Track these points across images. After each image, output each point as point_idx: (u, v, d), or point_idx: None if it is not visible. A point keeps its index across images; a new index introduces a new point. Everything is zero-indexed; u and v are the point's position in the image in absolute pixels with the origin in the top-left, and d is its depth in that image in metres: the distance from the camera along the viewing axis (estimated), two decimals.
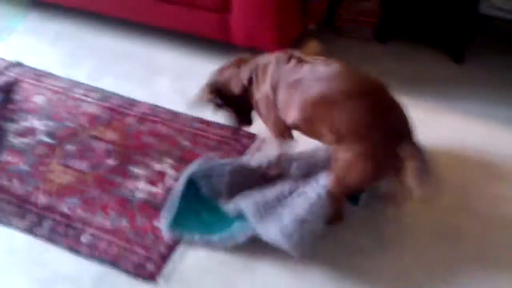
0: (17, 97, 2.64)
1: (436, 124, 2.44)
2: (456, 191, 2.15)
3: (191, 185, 2.07)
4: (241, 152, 2.32)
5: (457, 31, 2.86)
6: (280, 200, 1.94)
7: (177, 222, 1.98)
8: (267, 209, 1.91)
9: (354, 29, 3.11)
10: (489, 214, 2.08)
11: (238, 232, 1.93)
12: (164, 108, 2.56)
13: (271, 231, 1.85)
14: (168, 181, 2.18)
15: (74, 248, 1.95)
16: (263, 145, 2.34)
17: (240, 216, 1.95)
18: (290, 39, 2.74)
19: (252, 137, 2.38)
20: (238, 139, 2.37)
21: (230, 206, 2.00)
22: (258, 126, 2.21)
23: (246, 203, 1.95)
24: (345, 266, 1.89)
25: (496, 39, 3.05)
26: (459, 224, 2.04)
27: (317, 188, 1.91)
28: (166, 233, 1.96)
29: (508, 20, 2.85)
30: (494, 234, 2.01)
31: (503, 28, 3.08)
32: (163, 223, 1.99)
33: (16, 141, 2.39)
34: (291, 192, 1.97)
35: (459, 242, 1.98)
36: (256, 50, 2.61)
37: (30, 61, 2.91)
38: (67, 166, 2.26)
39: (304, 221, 1.83)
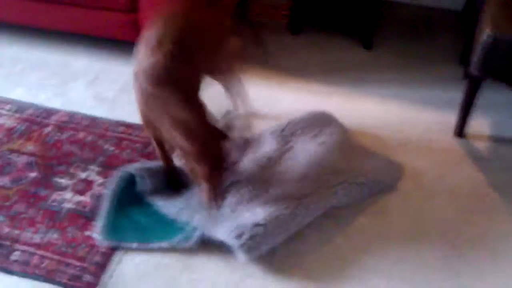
0: None
1: (353, 108, 2.55)
2: None
3: (122, 189, 2.06)
4: None
5: (365, 18, 2.99)
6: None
7: (111, 229, 1.96)
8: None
9: (267, 22, 3.17)
10: (410, 188, 2.22)
11: (179, 239, 1.92)
12: (82, 114, 2.51)
13: (221, 230, 1.88)
14: (96, 189, 2.15)
15: (5, 267, 1.88)
16: None
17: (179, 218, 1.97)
18: None
19: None
20: None
21: (172, 211, 2.01)
22: None
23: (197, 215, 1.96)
24: (285, 258, 1.92)
25: (400, 24, 3.22)
26: (380, 200, 2.15)
27: None
28: (100, 241, 1.94)
29: (411, 5, 3.02)
30: (414, 207, 2.14)
31: (407, 13, 3.26)
32: (96, 232, 1.96)
33: None
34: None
35: (382, 218, 2.09)
36: None
37: None
38: None
39: (258, 224, 1.86)
